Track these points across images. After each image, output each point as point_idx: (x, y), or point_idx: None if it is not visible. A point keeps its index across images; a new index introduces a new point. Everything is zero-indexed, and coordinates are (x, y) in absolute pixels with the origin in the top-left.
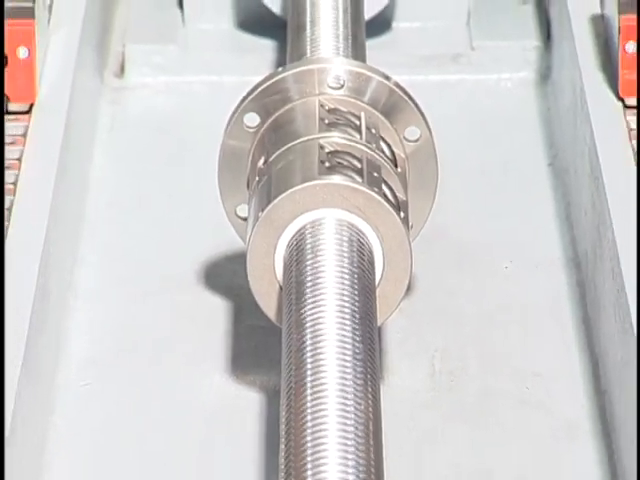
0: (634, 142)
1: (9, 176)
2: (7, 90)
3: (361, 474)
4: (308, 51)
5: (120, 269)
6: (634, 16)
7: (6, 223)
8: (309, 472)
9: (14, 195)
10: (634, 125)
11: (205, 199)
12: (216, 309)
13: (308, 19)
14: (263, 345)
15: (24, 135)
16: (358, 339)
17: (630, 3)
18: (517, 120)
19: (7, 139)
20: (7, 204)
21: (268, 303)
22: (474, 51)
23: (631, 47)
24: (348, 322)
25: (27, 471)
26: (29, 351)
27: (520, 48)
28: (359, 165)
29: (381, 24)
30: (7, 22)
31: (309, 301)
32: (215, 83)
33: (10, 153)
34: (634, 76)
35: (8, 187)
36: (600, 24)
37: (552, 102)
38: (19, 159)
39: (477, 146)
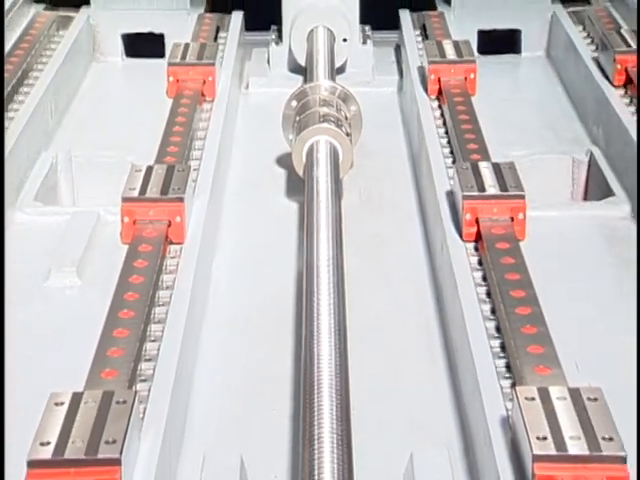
0: (435, 112)
1: (201, 131)
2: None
3: (335, 246)
4: (314, 79)
5: (249, 166)
6: (437, 60)
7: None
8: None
9: (205, 139)
10: (434, 106)
11: (279, 134)
12: (280, 175)
13: (314, 67)
14: (297, 186)
15: (210, 110)
16: (332, 184)
17: (435, 60)
18: (390, 106)
19: (204, 114)
20: (199, 146)
21: (300, 171)
22: (374, 80)
23: (432, 77)
24: (330, 178)
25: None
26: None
27: (390, 79)
28: (333, 120)
29: (340, 69)
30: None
31: (314, 168)
32: (282, 92)
33: (205, 114)
34: (434, 87)
35: (201, 134)
36: (422, 69)
37: (405, 100)
38: (208, 120)
39: (375, 115)
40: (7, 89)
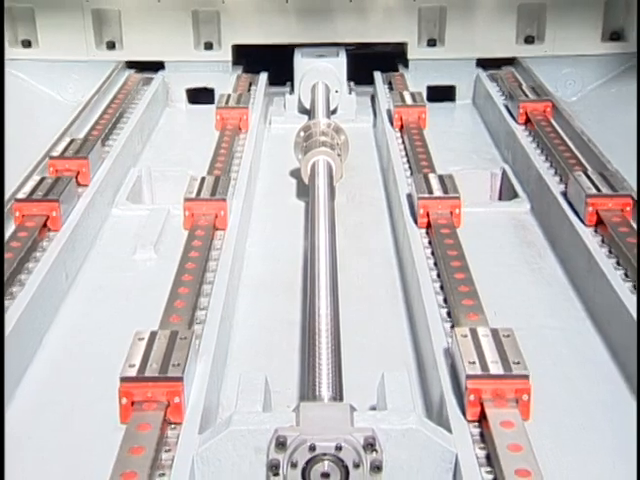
0: (398, 140)
1: (238, 153)
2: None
3: (330, 231)
4: (316, 118)
5: (271, 177)
6: (399, 105)
7: (235, 169)
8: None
9: (241, 159)
10: (398, 136)
11: (291, 155)
12: (292, 183)
13: (316, 109)
14: (304, 190)
15: (244, 139)
16: (328, 189)
17: (398, 105)
18: (367, 136)
19: (240, 141)
20: (237, 163)
21: (306, 180)
22: (357, 118)
23: (396, 116)
24: (326, 185)
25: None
26: (248, 183)
27: (367, 118)
28: (329, 145)
29: (334, 111)
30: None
31: (316, 178)
32: (293, 126)
33: (241, 141)
34: (398, 123)
35: (235, 169)
36: (389, 111)
37: (377, 132)
38: (243, 145)
39: (357, 142)
40: (108, 126)
